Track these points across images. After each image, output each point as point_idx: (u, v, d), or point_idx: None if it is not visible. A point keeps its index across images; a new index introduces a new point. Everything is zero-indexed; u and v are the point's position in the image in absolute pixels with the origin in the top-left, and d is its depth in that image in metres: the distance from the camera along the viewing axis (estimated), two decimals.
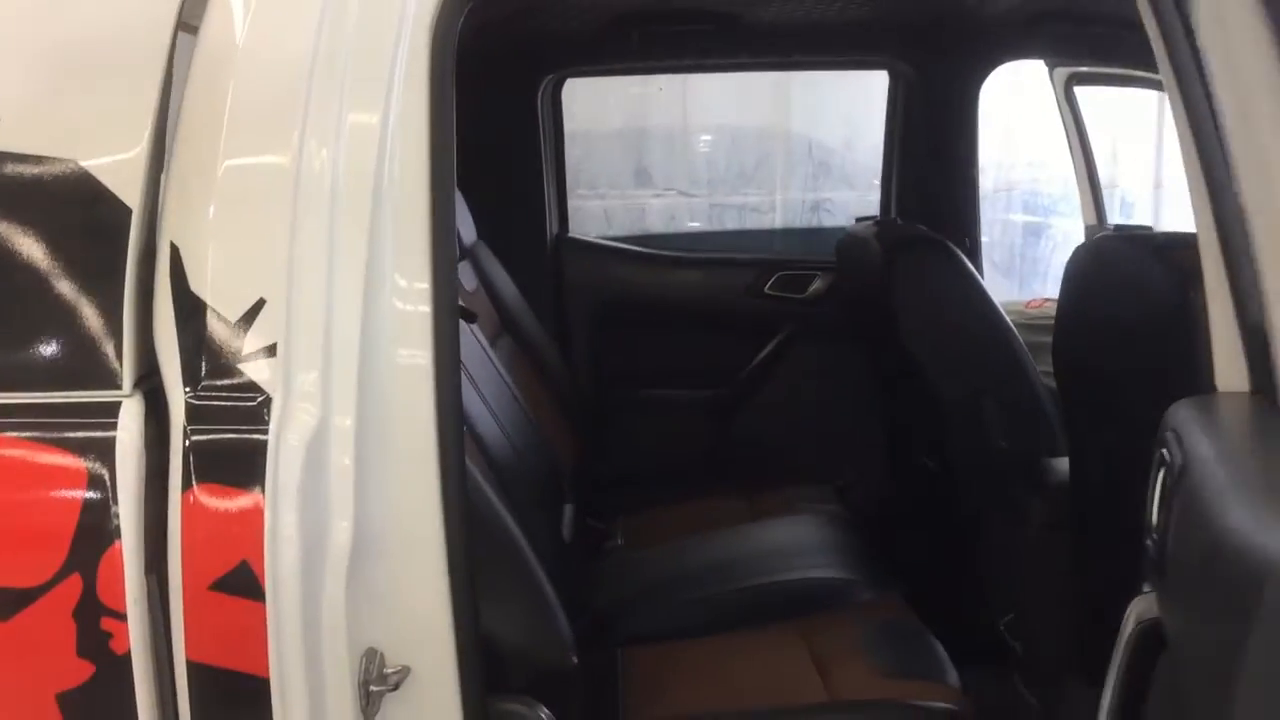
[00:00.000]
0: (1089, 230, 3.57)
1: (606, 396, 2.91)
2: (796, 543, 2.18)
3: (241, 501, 1.19)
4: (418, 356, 1.27)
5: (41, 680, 1.20)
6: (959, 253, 2.26)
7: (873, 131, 4.85)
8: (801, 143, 4.61)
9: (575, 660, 1.49)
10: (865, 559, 2.09)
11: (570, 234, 2.95)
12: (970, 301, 2.22)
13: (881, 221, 2.44)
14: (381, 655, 1.28)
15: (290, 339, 1.22)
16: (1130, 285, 1.60)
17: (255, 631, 1.18)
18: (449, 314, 1.29)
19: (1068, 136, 3.46)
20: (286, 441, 1.20)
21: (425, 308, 1.26)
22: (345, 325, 1.24)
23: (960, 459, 2.25)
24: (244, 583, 1.18)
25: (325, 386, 1.23)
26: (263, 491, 1.19)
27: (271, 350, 1.22)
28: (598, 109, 4.08)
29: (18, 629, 1.18)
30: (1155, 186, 5.10)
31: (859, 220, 2.67)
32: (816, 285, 2.86)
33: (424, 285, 1.26)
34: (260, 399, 1.21)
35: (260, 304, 1.23)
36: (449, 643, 1.30)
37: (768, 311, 2.89)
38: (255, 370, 1.22)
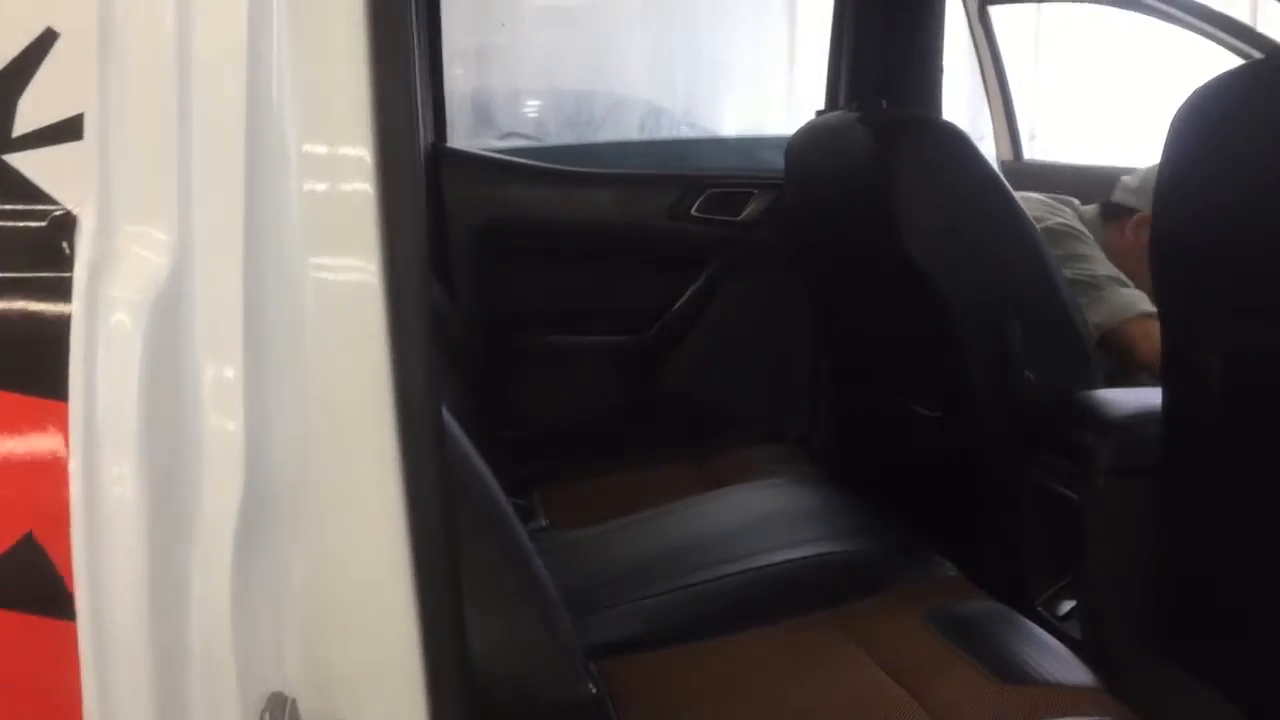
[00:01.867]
0: (1002, 165, 3.22)
1: (499, 344, 2.34)
2: (793, 510, 1.67)
3: (19, 418, 0.59)
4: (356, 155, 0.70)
5: None
6: (970, 139, 1.79)
7: (726, 81, 4.41)
8: (663, 88, 4.12)
9: (593, 690, 0.94)
10: (892, 526, 1.60)
11: (449, 144, 2.36)
12: (994, 200, 1.76)
13: (864, 106, 1.97)
14: (293, 704, 0.71)
15: (107, 107, 0.63)
16: None
17: (54, 678, 0.58)
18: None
19: (981, 64, 3.11)
20: (109, 299, 0.61)
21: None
22: (221, 87, 0.66)
23: (979, 398, 1.79)
24: (30, 582, 0.58)
25: (183, 199, 0.65)
26: (64, 399, 0.59)
27: (75, 127, 0.63)
28: None
29: None
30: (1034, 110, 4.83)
31: (819, 113, 2.18)
32: (753, 205, 2.36)
33: None
34: (53, 215, 0.61)
35: (48, 38, 0.63)
36: (415, 679, 0.73)
37: (697, 238, 2.37)
38: (40, 165, 0.62)
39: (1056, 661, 1.21)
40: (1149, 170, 2.13)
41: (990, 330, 1.75)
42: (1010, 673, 1.17)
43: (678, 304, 2.38)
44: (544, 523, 1.81)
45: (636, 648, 1.34)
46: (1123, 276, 1.97)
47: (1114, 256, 2.07)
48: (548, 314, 2.38)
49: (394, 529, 0.72)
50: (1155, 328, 1.90)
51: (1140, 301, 1.93)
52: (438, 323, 1.95)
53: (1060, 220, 2.04)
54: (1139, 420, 1.57)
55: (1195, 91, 1.34)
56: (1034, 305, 1.76)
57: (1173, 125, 1.37)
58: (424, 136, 2.29)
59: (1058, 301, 1.78)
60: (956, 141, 1.77)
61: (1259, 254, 1.28)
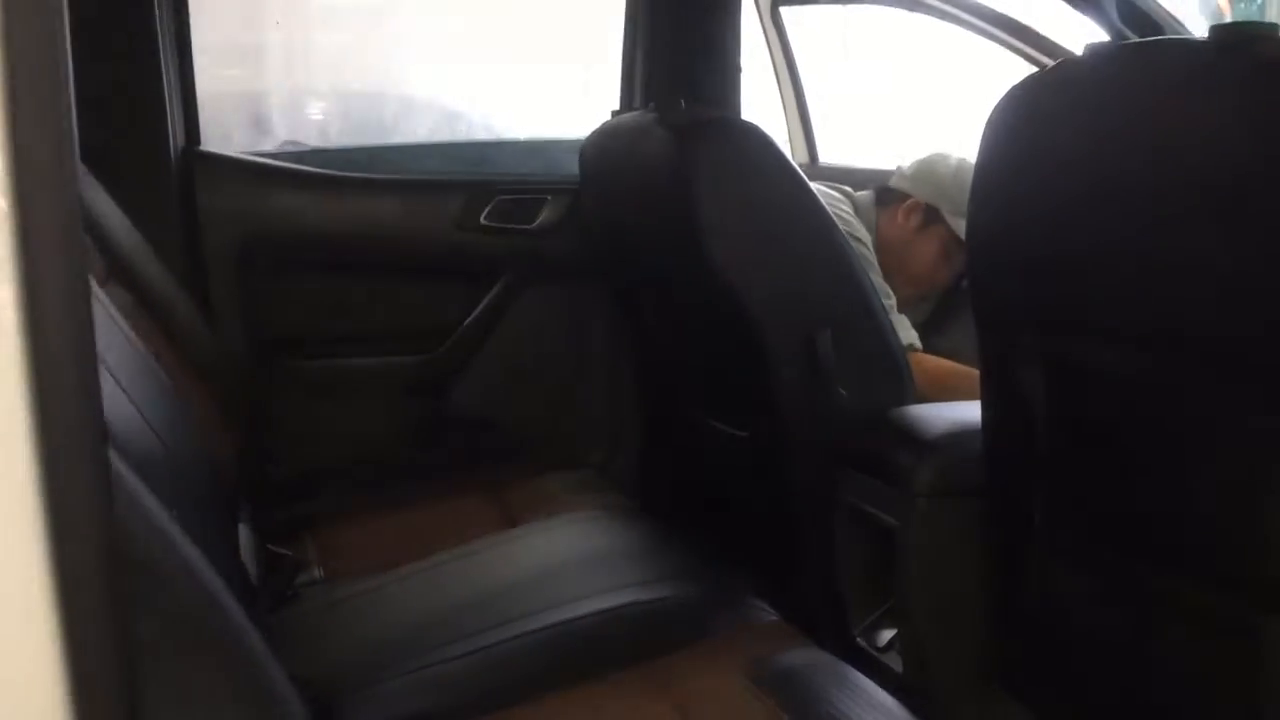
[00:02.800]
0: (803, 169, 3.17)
1: (268, 369, 2.10)
2: (597, 551, 1.52)
3: None
4: None
5: None
6: (774, 140, 1.69)
7: (523, 82, 4.18)
8: (457, 90, 3.89)
9: None
10: (704, 566, 1.47)
11: (204, 147, 2.10)
12: (799, 204, 1.66)
13: (661, 106, 1.84)
14: None
15: None
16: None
17: None
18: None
19: (774, 66, 3.06)
20: None
21: None
22: None
23: (788, 415, 1.68)
24: None
25: None
26: None
27: None
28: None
29: None
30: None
31: (614, 113, 2.04)
32: (547, 212, 2.20)
33: None
34: None
35: None
36: None
37: (487, 248, 2.19)
38: None
39: (886, 718, 1.10)
40: (926, 158, 2.12)
41: (798, 341, 1.64)
42: None
43: (468, 320, 2.20)
44: (317, 574, 1.60)
45: None
46: (891, 296, 1.92)
47: (885, 243, 2.04)
48: (323, 335, 2.15)
49: (41, 648, 0.52)
50: (917, 360, 1.87)
51: (905, 332, 1.88)
52: (193, 346, 1.72)
53: (838, 213, 1.97)
54: (957, 438, 1.49)
55: (1007, 92, 1.26)
56: (844, 315, 1.67)
57: (986, 129, 1.28)
58: (175, 139, 2.03)
59: (868, 311, 1.69)
60: (759, 143, 1.66)
61: (1071, 264, 1.21)
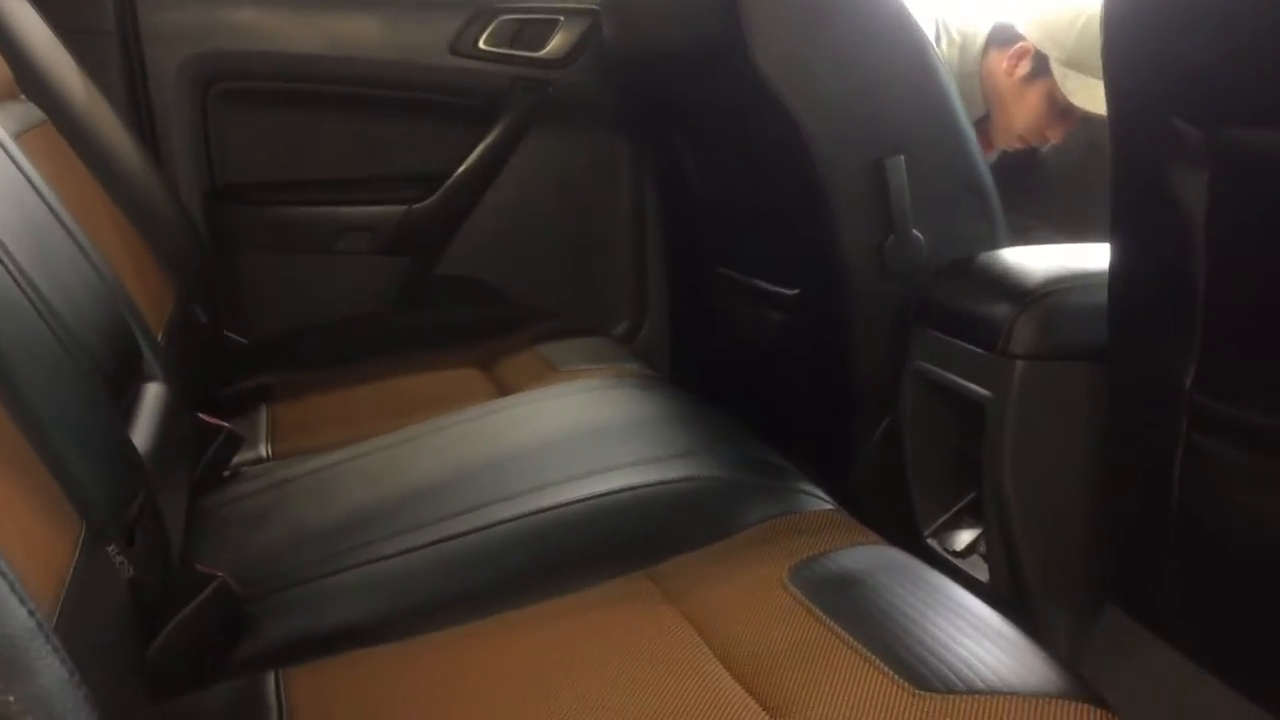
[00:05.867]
0: None
1: (225, 219, 1.80)
2: (609, 422, 1.20)
3: None
4: None
5: None
6: None
7: None
8: None
9: None
10: (742, 441, 1.15)
11: None
12: None
13: None
14: None
15: None
16: None
17: None
18: None
19: None
20: None
21: None
22: None
23: (849, 264, 1.35)
24: None
25: None
26: None
27: None
28: None
29: None
30: None
31: None
32: (560, 37, 1.86)
33: None
34: None
35: None
36: None
37: (488, 79, 1.85)
38: None
39: (998, 646, 0.77)
40: (1052, 6, 1.77)
41: (864, 170, 1.32)
42: (929, 673, 0.73)
43: (464, 166, 1.87)
44: (264, 451, 1.30)
45: (356, 640, 0.86)
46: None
47: (987, 86, 1.80)
48: (288, 179, 1.84)
49: None
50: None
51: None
52: (128, 185, 1.41)
53: None
54: (1065, 286, 1.15)
55: None
56: (922, 137, 1.33)
57: None
58: None
59: (953, 133, 1.35)
60: None
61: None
